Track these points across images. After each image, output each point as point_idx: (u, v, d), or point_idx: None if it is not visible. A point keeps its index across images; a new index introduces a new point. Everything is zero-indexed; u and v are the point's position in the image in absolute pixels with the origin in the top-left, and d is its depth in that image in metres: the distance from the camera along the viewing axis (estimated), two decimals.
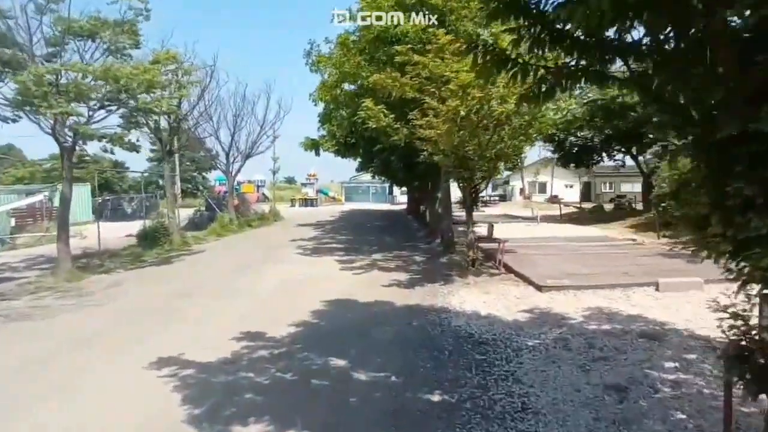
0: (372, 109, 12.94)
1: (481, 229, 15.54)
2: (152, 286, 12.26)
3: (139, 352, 7.16)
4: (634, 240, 19.47)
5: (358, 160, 35.04)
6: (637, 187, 61.22)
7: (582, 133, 29.81)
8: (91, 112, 16.06)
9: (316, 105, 18.87)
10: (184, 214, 28.47)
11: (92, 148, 18.76)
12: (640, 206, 33.63)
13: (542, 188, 66.18)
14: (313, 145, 24.26)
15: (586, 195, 63.38)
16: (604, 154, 31.67)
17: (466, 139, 11.38)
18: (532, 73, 3.49)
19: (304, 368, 6.47)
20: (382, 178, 45.35)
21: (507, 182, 67.39)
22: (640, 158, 31.33)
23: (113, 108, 16.34)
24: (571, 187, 66.10)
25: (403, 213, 42.75)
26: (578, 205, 39.45)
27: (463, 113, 10.22)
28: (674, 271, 12.00)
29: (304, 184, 77.69)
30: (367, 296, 10.54)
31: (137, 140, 16.88)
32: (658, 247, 17.69)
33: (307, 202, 60.97)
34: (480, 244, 13.58)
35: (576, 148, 31.17)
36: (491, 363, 6.49)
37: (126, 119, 16.61)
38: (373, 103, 13.15)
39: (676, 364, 6.12)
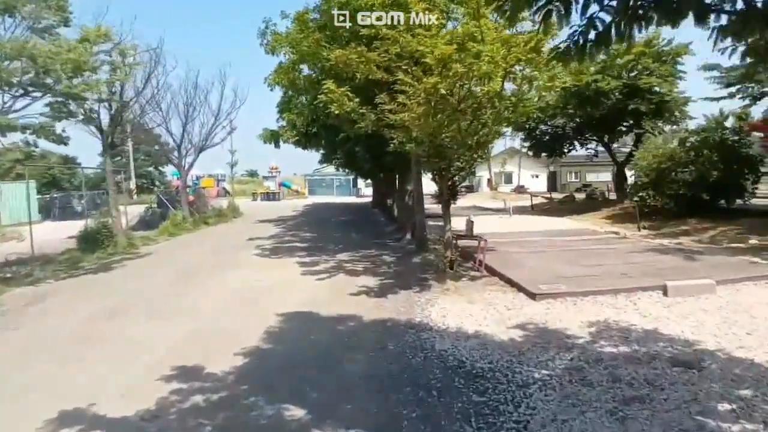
0: (334, 92, 11.26)
1: (458, 225, 14.12)
2: (81, 302, 10.35)
3: (35, 404, 5.42)
4: (616, 233, 18.40)
5: (321, 151, 33.41)
6: (603, 177, 61.48)
7: (554, 122, 28.76)
8: (10, 100, 14.00)
9: (272, 90, 17.04)
10: (137, 211, 26.33)
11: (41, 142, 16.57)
12: (613, 196, 32.88)
13: (509, 178, 65.62)
14: (272, 137, 22.41)
15: (552, 185, 63.20)
16: (576, 143, 30.70)
17: (444, 124, 9.88)
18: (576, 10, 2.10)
19: (251, 423, 4.88)
20: (347, 171, 43.70)
21: (473, 173, 66.49)
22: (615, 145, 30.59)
23: (38, 94, 14.30)
24: (537, 177, 65.87)
25: (368, 206, 41.19)
26: (548, 196, 38.58)
27: (443, 91, 8.67)
28: (674, 269, 10.83)
29: (265, 178, 75.31)
30: (333, 308, 8.96)
31: (63, 131, 14.79)
32: (644, 240, 16.65)
33: (269, 195, 58.77)
34: (457, 242, 12.17)
35: (548, 137, 30.10)
36: (494, 408, 5.00)
37: (53, 107, 14.56)
38: (335, 86, 11.49)
39: (733, 407, 4.76)
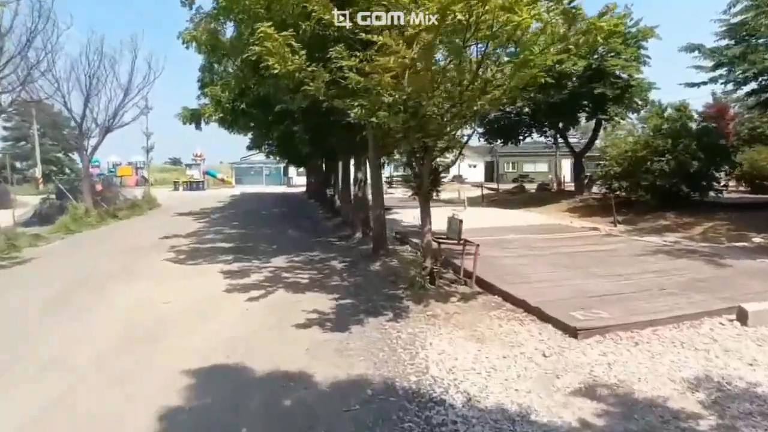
0: (273, 39, 7.91)
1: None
2: None
3: None
4: (596, 229, 16.17)
5: (250, 135, 29.58)
6: (540, 167, 61.07)
7: (510, 107, 26.43)
8: None
9: (187, 47, 13.32)
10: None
11: None
12: (569, 187, 31.11)
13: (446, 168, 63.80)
14: (193, 117, 18.69)
15: (489, 175, 62.38)
16: (533, 130, 28.60)
17: (438, 81, 6.87)
18: None
19: None
20: (277, 158, 39.95)
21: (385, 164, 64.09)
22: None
23: None
24: (475, 167, 64.57)
25: (303, 197, 37.71)
26: (494, 187, 36.56)
27: (460, 15, 5.58)
28: (715, 281, 8.47)
29: (189, 166, 69.89)
30: (274, 358, 5.76)
31: None
32: (633, 238, 14.46)
33: (193, 185, 53.83)
34: (440, 247, 9.26)
35: (503, 122, 27.77)
36: None
37: None
38: (274, 31, 8.15)
39: None
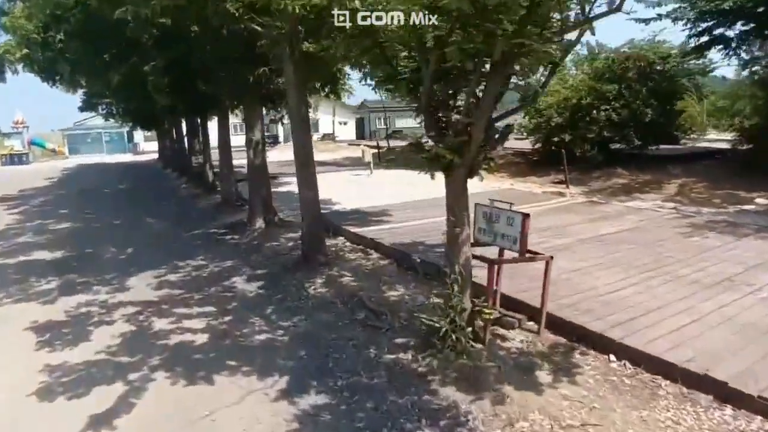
0: None
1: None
2: None
3: None
4: (561, 194, 13.03)
5: (82, 91, 22.51)
6: (411, 123, 58.83)
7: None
8: None
9: None
10: None
11: None
12: None
13: (315, 126, 59.12)
14: None
15: (360, 132, 59.43)
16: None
17: None
18: None
19: None
20: (120, 121, 32.41)
21: (281, 120, 58.17)
22: None
23: None
24: (346, 124, 60.75)
25: (156, 167, 30.85)
26: (383, 146, 32.69)
27: None
28: None
29: (8, 135, 57.35)
30: None
31: None
32: (625, 205, 11.51)
33: (15, 158, 43.21)
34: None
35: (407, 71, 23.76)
36: None
37: None
38: None
39: None
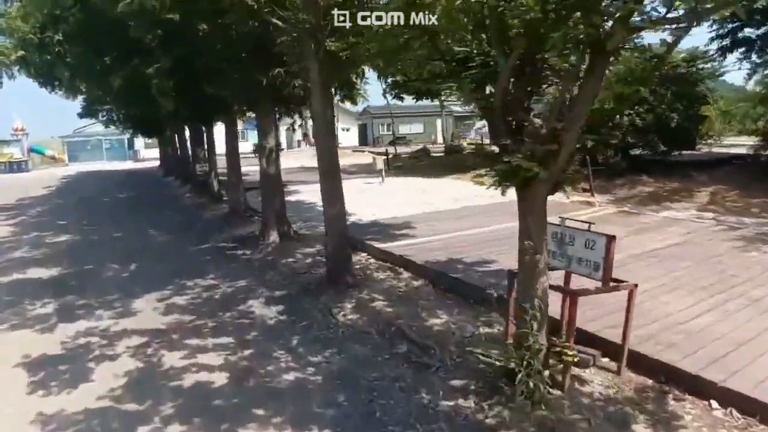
0: None
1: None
2: None
3: None
4: (590, 203, 12.33)
5: (81, 99, 21.87)
6: (415, 129, 58.31)
7: None
8: None
9: None
10: None
11: None
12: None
13: None
14: None
15: (363, 138, 58.83)
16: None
17: None
18: None
19: None
20: (121, 128, 31.59)
21: (292, 127, 57.34)
22: None
23: None
24: (348, 130, 60.21)
25: (157, 174, 30.16)
26: (391, 152, 32.00)
27: None
28: None
29: (7, 143, 56.67)
30: None
31: None
32: (660, 215, 10.81)
33: (14, 166, 42.48)
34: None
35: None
36: None
37: None
38: None
39: None
